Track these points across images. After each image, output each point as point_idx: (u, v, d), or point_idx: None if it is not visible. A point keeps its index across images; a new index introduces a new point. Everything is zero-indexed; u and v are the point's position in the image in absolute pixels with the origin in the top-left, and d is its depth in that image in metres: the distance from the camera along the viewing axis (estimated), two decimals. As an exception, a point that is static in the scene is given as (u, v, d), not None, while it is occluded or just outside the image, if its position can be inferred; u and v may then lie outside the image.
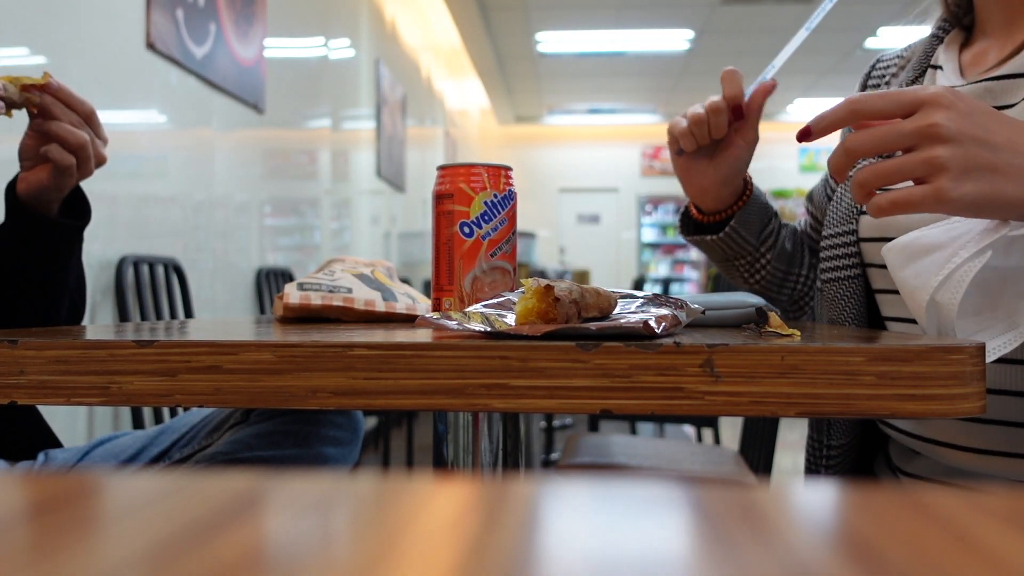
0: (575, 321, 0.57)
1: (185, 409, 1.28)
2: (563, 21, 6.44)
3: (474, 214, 0.72)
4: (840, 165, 0.63)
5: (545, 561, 0.16)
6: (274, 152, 2.97)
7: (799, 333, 0.57)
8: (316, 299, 0.80)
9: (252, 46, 2.67)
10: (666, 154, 11.25)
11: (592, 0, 5.93)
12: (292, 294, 0.81)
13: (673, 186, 10.21)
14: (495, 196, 0.73)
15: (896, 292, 0.82)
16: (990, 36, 0.85)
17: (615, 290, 0.67)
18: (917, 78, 0.88)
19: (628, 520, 0.19)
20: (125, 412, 1.90)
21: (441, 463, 0.70)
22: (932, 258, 0.62)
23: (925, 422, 0.78)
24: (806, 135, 0.68)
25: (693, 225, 1.03)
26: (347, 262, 0.93)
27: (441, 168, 0.75)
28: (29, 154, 0.85)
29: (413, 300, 0.85)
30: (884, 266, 0.82)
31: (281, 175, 3.06)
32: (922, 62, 0.89)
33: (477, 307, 0.64)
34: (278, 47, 2.95)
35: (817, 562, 0.16)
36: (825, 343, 0.49)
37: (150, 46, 2.03)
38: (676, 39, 6.82)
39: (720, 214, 0.98)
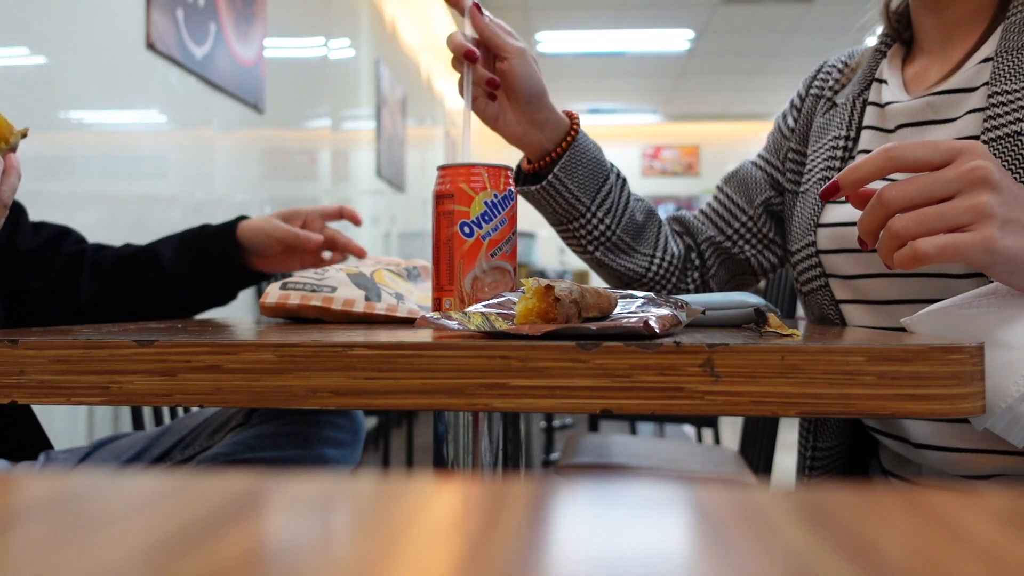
0: (575, 321, 0.57)
1: (186, 410, 1.28)
2: (563, 21, 6.44)
3: (474, 214, 0.72)
4: (877, 223, 0.58)
5: (545, 561, 0.16)
6: (274, 152, 2.97)
7: (799, 333, 0.57)
8: (295, 299, 0.79)
9: (252, 46, 2.67)
10: (666, 154, 10.99)
11: (592, 0, 5.93)
12: (272, 293, 0.80)
13: (674, 186, 10.20)
14: (495, 196, 0.73)
15: (857, 302, 0.82)
16: (928, 53, 0.87)
17: (615, 290, 0.67)
18: (863, 91, 0.90)
19: (628, 520, 0.19)
20: (125, 412, 1.90)
21: (441, 463, 0.70)
22: (992, 357, 0.57)
23: (910, 427, 0.78)
24: (834, 192, 0.61)
25: (521, 176, 0.96)
26: (369, 261, 0.92)
27: (441, 168, 0.75)
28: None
29: (398, 300, 0.84)
30: (844, 276, 0.83)
31: (281, 175, 3.06)
32: (867, 76, 0.91)
33: (477, 307, 0.64)
34: (278, 47, 2.95)
35: (817, 562, 0.16)
36: (825, 343, 0.49)
37: (150, 46, 2.03)
38: (676, 39, 6.82)
39: (545, 159, 0.92)
